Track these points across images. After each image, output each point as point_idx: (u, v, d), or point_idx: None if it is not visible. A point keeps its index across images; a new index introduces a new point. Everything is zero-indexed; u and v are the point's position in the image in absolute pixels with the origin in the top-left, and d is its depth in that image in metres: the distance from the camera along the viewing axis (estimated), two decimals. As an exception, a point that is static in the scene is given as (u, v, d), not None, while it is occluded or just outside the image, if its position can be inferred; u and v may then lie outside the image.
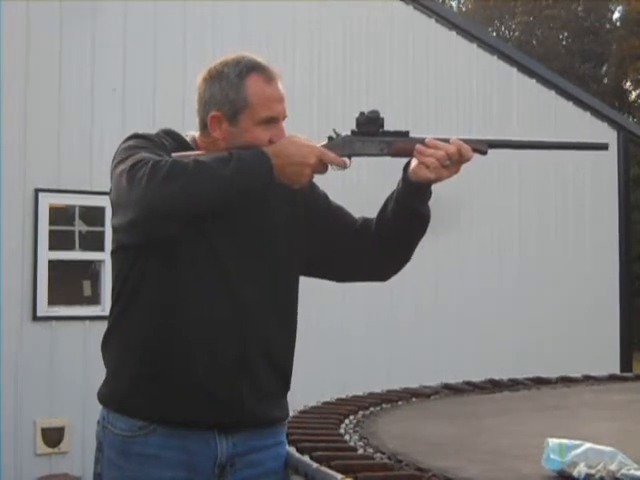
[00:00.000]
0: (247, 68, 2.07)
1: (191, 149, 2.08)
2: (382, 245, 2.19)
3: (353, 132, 2.07)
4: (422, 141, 2.05)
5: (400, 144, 2.07)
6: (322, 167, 2.00)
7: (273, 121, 2.04)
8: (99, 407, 2.12)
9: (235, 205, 1.92)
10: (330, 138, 2.07)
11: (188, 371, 1.95)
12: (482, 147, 2.08)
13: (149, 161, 1.86)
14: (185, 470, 1.98)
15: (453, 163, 2.03)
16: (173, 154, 1.94)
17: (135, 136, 2.05)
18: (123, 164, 1.90)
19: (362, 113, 2.06)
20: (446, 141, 2.04)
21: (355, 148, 2.06)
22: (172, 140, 2.09)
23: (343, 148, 2.05)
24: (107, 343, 2.09)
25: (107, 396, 2.06)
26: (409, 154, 2.06)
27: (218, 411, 1.98)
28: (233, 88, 2.04)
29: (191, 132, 2.19)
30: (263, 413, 2.06)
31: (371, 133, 2.07)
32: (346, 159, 2.04)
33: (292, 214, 2.16)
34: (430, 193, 2.14)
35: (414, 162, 2.05)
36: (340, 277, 2.33)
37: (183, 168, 1.85)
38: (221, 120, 2.05)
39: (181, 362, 1.95)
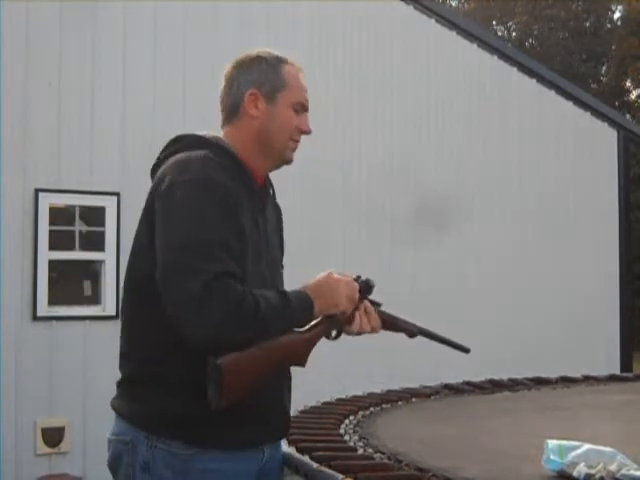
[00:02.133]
0: (281, 57, 2.19)
1: (239, 159, 2.08)
2: None
3: None
4: (385, 314, 2.19)
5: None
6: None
7: (303, 109, 2.16)
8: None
9: None
10: None
11: (256, 402, 1.99)
12: (414, 330, 2.24)
13: (229, 291, 1.85)
14: (240, 477, 2.04)
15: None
16: (250, 296, 1.90)
17: (207, 187, 1.95)
18: (201, 259, 1.85)
19: (359, 277, 2.18)
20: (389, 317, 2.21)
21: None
22: (226, 159, 2.06)
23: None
24: (156, 368, 2.00)
25: (162, 423, 1.97)
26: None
27: (275, 433, 2.12)
28: (272, 69, 2.14)
29: (207, 132, 2.17)
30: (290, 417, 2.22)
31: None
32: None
33: (280, 240, 2.30)
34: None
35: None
36: None
37: (259, 319, 1.89)
38: (258, 98, 2.12)
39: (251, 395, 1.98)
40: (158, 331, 1.97)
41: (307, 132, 2.17)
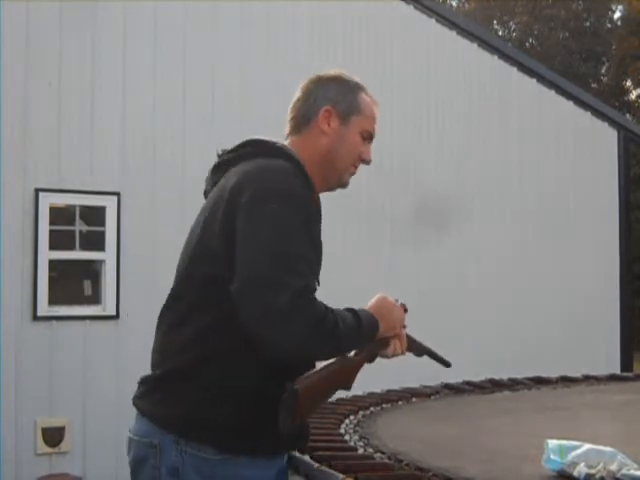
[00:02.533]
0: (360, 85, 2.25)
1: (307, 172, 2.06)
2: None
3: None
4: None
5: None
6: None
7: (369, 138, 2.22)
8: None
9: None
10: None
11: None
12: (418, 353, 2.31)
13: (313, 307, 1.88)
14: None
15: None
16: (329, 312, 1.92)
17: (299, 203, 1.96)
18: (287, 273, 1.86)
19: (396, 301, 2.20)
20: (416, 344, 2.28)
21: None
22: (302, 174, 2.05)
23: None
24: (208, 375, 1.97)
25: (198, 427, 1.96)
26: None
27: (300, 442, 2.16)
28: (350, 92, 2.19)
29: (273, 139, 2.14)
30: None
31: None
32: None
33: None
34: None
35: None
36: None
37: (337, 337, 1.93)
38: (332, 116, 2.15)
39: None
40: (211, 336, 1.96)
41: (368, 162, 2.23)
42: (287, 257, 1.88)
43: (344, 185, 2.21)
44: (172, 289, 2.10)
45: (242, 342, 1.91)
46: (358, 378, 2.09)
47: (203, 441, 1.94)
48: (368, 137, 2.20)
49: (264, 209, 1.90)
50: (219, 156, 2.17)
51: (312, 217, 1.98)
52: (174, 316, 2.05)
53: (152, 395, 2.03)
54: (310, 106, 2.15)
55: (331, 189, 2.21)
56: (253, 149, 2.09)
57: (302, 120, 2.16)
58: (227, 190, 1.98)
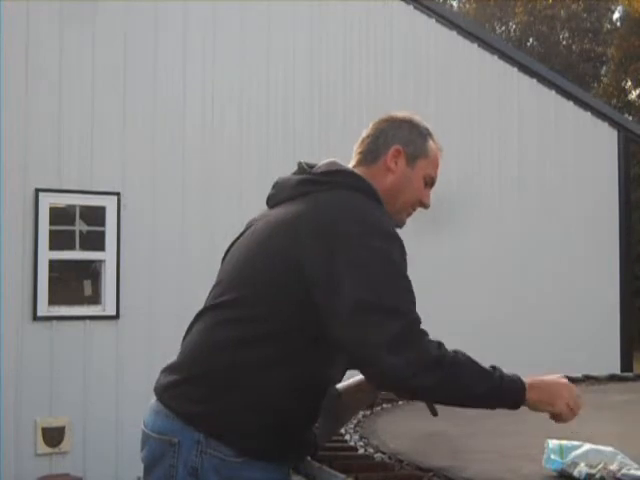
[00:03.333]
0: (430, 131, 2.30)
1: (380, 198, 2.09)
2: None
3: None
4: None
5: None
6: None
7: (431, 184, 2.29)
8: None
9: None
10: None
11: (307, 428, 2.10)
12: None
13: (432, 344, 1.90)
14: None
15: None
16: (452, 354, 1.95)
17: (398, 244, 2.01)
18: (394, 300, 1.89)
19: None
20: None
21: None
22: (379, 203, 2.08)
23: None
24: (238, 380, 1.98)
25: (223, 428, 1.97)
26: None
27: (311, 449, 2.17)
28: (420, 137, 2.25)
29: (333, 160, 2.18)
30: None
31: None
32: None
33: None
34: None
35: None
36: None
37: (462, 383, 1.94)
38: (401, 156, 2.20)
39: (307, 421, 2.08)
40: (259, 346, 1.97)
41: (426, 206, 2.27)
42: (398, 288, 1.92)
43: (400, 225, 2.23)
44: (227, 287, 2.06)
45: (286, 355, 1.95)
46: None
47: (226, 443, 1.95)
48: (430, 182, 2.28)
49: (372, 244, 1.93)
50: (304, 170, 2.16)
51: (405, 258, 2.03)
52: (226, 315, 2.02)
53: (181, 393, 2.02)
54: (381, 143, 2.22)
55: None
56: (336, 179, 2.08)
57: (370, 156, 2.21)
58: (321, 217, 1.96)
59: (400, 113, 2.30)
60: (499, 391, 1.97)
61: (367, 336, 1.85)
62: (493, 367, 2.01)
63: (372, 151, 2.21)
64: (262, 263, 2.00)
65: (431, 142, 2.28)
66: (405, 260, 2.01)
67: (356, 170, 2.17)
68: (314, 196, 2.03)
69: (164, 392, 2.05)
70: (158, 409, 2.04)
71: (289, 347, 1.96)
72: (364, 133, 2.27)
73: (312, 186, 2.07)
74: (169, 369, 2.09)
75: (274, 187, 2.21)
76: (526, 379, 2.02)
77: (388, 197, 2.15)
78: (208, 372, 1.99)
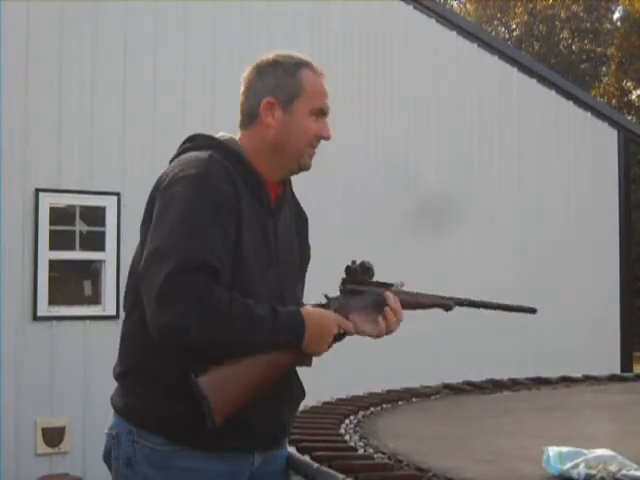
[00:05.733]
0: (300, 61, 2.14)
1: (246, 162, 2.06)
2: None
3: (343, 280, 2.12)
4: (403, 293, 2.13)
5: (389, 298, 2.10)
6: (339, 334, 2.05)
7: (322, 114, 2.12)
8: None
9: None
10: (326, 302, 2.08)
11: (244, 410, 1.96)
12: (449, 304, 2.28)
13: (192, 287, 1.82)
14: (223, 478, 2.02)
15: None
16: (218, 292, 1.85)
17: (204, 188, 1.94)
18: (171, 251, 1.84)
19: (354, 262, 2.11)
20: (415, 297, 2.18)
21: (353, 306, 2.09)
22: (229, 161, 2.04)
23: (344, 309, 2.08)
24: (149, 365, 2.00)
25: (146, 417, 1.99)
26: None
27: (263, 443, 2.07)
28: (288, 75, 2.09)
29: (223, 133, 2.17)
30: (290, 429, 2.23)
31: (360, 282, 2.11)
32: (352, 323, 2.07)
33: (300, 245, 2.26)
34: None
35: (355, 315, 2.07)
36: None
37: (219, 318, 1.85)
38: (275, 107, 2.08)
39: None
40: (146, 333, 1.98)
41: (327, 138, 2.14)
42: (177, 234, 1.86)
43: (305, 169, 2.14)
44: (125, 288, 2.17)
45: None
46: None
47: (155, 432, 1.96)
48: (321, 112, 2.11)
49: (171, 192, 1.94)
50: None
51: (222, 205, 1.94)
52: (125, 313, 2.12)
53: (117, 389, 2.09)
54: (252, 100, 2.11)
55: (293, 173, 2.17)
56: (190, 144, 2.12)
57: (248, 115, 2.12)
58: (154, 186, 2.04)
59: (266, 56, 2.16)
60: (285, 339, 1.92)
61: (146, 292, 1.88)
62: (275, 309, 1.93)
63: (247, 113, 2.13)
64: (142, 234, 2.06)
65: (304, 74, 2.10)
66: (218, 207, 1.93)
67: (239, 133, 2.13)
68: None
69: (113, 394, 2.12)
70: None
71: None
72: (240, 89, 2.18)
73: (176, 154, 2.15)
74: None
75: None
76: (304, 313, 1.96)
77: (276, 150, 2.09)
78: (126, 369, 2.05)
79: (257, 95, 2.10)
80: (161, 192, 1.97)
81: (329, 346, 2.02)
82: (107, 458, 2.07)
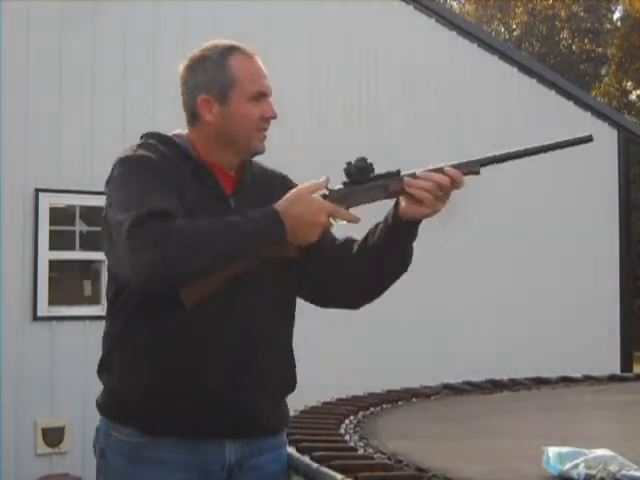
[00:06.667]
0: (227, 48, 2.07)
1: (186, 150, 2.08)
2: (357, 279, 2.19)
3: (344, 184, 2.08)
4: (414, 176, 2.07)
5: (395, 186, 2.11)
6: (330, 223, 2.02)
7: (263, 96, 2.07)
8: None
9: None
10: (326, 193, 2.05)
11: (203, 387, 1.97)
12: (475, 168, 2.18)
13: (154, 227, 1.82)
14: (195, 472, 2.00)
15: (446, 193, 2.07)
16: (180, 221, 1.85)
17: (134, 160, 2.00)
18: (124, 213, 1.86)
19: (350, 163, 2.08)
20: (439, 171, 2.10)
21: (355, 199, 2.08)
22: (166, 147, 2.06)
23: (344, 201, 2.05)
24: (112, 355, 2.05)
25: (113, 408, 2.05)
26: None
27: (232, 423, 2.01)
28: (218, 68, 2.04)
29: (177, 130, 2.17)
30: (271, 420, 2.11)
31: (363, 181, 2.10)
32: (346, 210, 2.05)
33: None
34: (417, 230, 2.12)
35: (404, 200, 2.07)
36: (308, 300, 2.28)
37: (191, 240, 1.84)
38: (211, 102, 2.05)
39: (197, 378, 1.97)
40: (117, 319, 2.04)
41: (273, 117, 2.09)
42: (125, 203, 1.89)
43: (259, 152, 2.11)
44: None
45: (131, 326, 1.99)
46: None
47: (124, 423, 2.01)
48: (262, 95, 2.06)
49: (110, 180, 2.01)
50: None
51: (153, 170, 1.97)
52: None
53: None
54: (189, 98, 2.09)
55: (250, 157, 2.13)
56: (140, 141, 2.16)
57: (190, 115, 2.11)
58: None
59: (195, 52, 2.10)
60: (257, 234, 1.90)
61: (118, 259, 1.92)
62: (243, 216, 1.91)
63: (189, 112, 2.11)
64: None
65: (233, 61, 2.05)
66: (147, 169, 1.97)
67: (186, 133, 2.13)
68: None
69: None
70: None
71: (119, 302, 2.03)
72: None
73: None
74: None
75: None
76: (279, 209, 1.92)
77: (224, 142, 2.07)
78: (100, 360, 2.12)
79: (192, 94, 2.07)
80: (105, 185, 2.05)
81: (318, 235, 1.98)
82: (95, 453, 2.16)
